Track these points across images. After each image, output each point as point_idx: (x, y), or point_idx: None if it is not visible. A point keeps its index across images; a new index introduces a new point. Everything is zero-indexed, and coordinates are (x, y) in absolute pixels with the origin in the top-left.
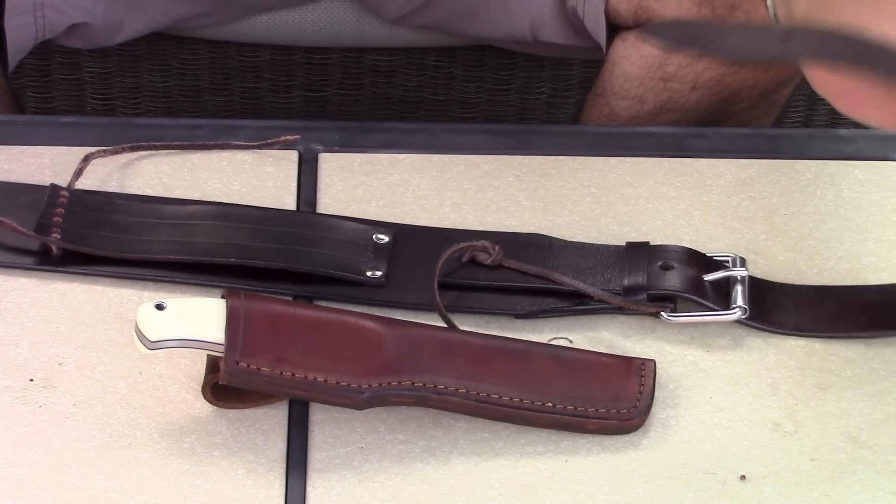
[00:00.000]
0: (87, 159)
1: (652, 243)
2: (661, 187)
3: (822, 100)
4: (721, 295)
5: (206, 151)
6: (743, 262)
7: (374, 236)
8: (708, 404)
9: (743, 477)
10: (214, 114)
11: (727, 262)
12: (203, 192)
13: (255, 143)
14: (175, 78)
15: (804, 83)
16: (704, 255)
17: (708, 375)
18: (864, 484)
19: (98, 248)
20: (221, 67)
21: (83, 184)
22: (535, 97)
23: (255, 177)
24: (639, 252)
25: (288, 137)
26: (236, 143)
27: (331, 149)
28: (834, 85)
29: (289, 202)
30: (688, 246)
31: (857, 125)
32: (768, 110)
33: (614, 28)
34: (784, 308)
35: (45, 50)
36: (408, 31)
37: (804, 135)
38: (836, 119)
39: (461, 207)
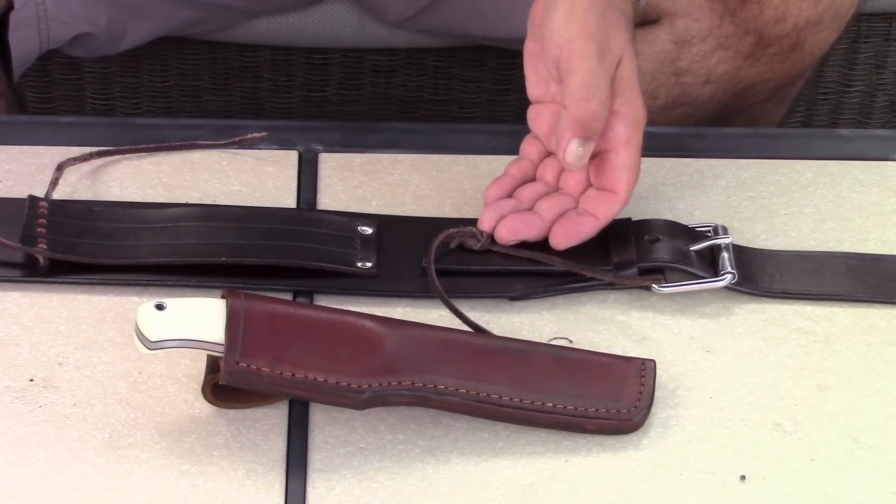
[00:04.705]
0: (60, 168)
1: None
2: (661, 187)
3: (823, 99)
4: (707, 263)
5: (195, 151)
6: (725, 231)
7: (358, 228)
8: (708, 404)
9: (743, 477)
10: (214, 114)
11: (708, 231)
12: (203, 192)
13: (222, 142)
14: (175, 78)
15: (811, 80)
16: (687, 226)
17: (708, 375)
18: (864, 484)
19: (85, 255)
20: (222, 68)
21: (94, 188)
22: None
23: (255, 177)
24: (623, 228)
25: (255, 135)
26: (203, 142)
27: (331, 149)
28: None
29: (289, 202)
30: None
31: (857, 125)
32: (780, 104)
33: None
34: (768, 272)
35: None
36: (408, 32)
37: (804, 135)
38: (836, 119)
39: (461, 207)
